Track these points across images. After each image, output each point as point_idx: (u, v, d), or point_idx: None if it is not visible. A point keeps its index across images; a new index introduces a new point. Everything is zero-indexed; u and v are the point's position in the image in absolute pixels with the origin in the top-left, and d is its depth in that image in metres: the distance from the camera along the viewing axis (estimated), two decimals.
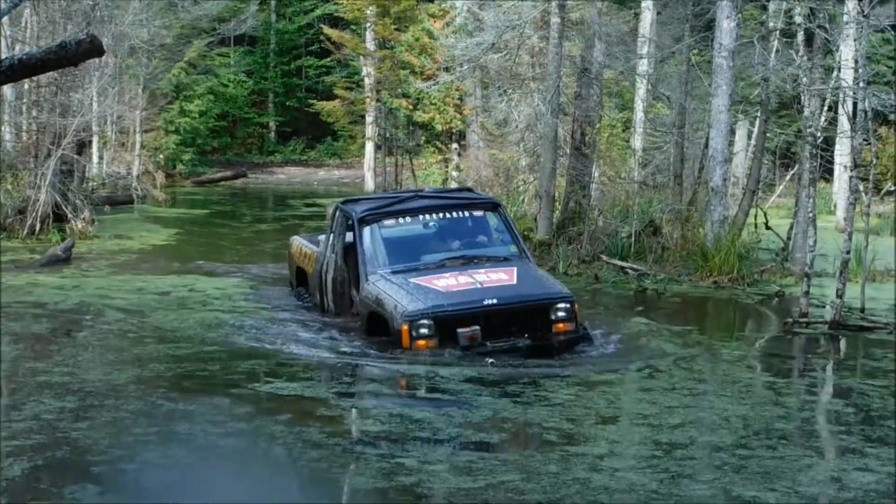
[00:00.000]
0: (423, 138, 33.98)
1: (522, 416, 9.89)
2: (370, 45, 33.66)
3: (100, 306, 15.05)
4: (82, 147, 25.17)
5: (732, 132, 24.73)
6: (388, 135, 33.98)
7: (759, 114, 22.50)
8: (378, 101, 33.12)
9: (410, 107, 31.63)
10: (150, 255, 21.09)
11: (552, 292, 12.35)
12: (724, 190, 19.43)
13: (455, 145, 32.33)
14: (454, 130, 31.80)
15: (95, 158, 31.00)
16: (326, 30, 37.36)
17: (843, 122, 22.86)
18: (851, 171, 15.71)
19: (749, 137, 28.24)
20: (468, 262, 12.86)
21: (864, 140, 16.26)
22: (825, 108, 23.30)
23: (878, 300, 16.15)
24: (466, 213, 13.63)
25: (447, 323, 11.72)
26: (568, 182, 22.01)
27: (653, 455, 8.73)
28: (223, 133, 45.59)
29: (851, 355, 13.30)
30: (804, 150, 18.87)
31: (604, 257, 19.25)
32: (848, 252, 14.76)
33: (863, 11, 15.29)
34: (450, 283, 12.22)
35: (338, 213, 13.88)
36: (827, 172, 28.98)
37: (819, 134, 18.35)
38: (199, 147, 41.06)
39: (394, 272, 12.59)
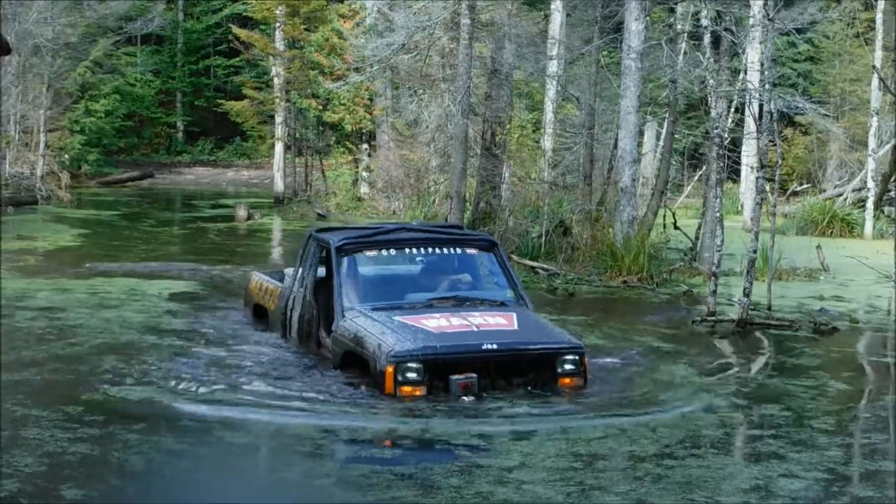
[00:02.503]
0: (334, 139, 33.87)
1: (423, 427, 9.33)
2: (279, 44, 33.42)
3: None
4: None
5: (641, 133, 25.04)
6: (297, 135, 33.80)
7: (667, 115, 22.78)
8: (287, 101, 32.92)
9: (320, 107, 31.52)
10: (56, 257, 20.74)
11: (559, 341, 10.63)
12: (633, 190, 19.63)
13: (365, 146, 32.26)
14: (364, 131, 31.74)
15: None
16: (235, 29, 37.03)
17: (750, 124, 23.17)
18: (758, 171, 15.95)
19: (657, 138, 28.59)
20: (460, 304, 11.14)
21: (770, 141, 16.51)
22: (732, 109, 23.70)
23: (786, 298, 16.43)
24: (458, 251, 11.96)
25: (440, 368, 9.96)
26: (478, 182, 22.08)
27: (570, 467, 8.28)
28: (130, 133, 45.08)
29: (760, 353, 13.43)
30: (711, 151, 19.14)
31: (514, 257, 19.32)
32: (755, 251, 14.98)
33: (768, 15, 15.53)
34: (441, 323, 10.49)
35: (311, 242, 12.13)
36: (734, 173, 29.44)
37: (726, 135, 18.65)
38: (105, 147, 40.54)
39: (374, 309, 10.89)
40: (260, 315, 13.51)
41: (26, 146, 32.79)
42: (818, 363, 12.66)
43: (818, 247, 20.20)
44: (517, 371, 10.29)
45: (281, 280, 13.20)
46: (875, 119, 27.71)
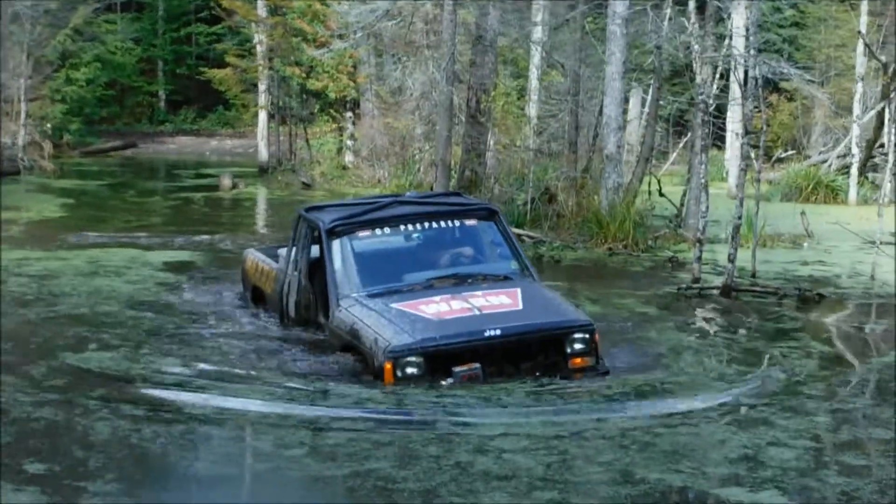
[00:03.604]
0: (317, 107, 33.76)
1: (401, 394, 9.27)
2: (262, 11, 33.26)
3: None
4: None
5: (626, 100, 25.03)
6: (281, 103, 33.74)
7: (652, 81, 22.83)
8: (270, 68, 32.84)
9: (303, 75, 31.42)
10: (42, 226, 20.81)
11: (567, 320, 10.06)
12: (619, 157, 19.71)
13: (349, 114, 32.21)
14: (348, 99, 31.67)
15: None
16: None
17: (735, 90, 23.33)
18: (742, 137, 16.04)
19: (643, 105, 28.62)
20: (461, 283, 10.56)
21: (755, 107, 16.59)
22: (717, 75, 23.72)
23: (771, 264, 16.57)
24: (457, 223, 11.27)
25: (440, 359, 9.49)
26: (463, 150, 22.11)
27: (554, 435, 8.20)
28: (112, 102, 44.87)
29: (744, 319, 13.55)
30: (696, 118, 19.24)
31: None
32: (739, 218, 15.07)
33: None
34: (441, 308, 9.96)
35: (301, 222, 11.53)
36: (719, 140, 29.51)
37: (711, 101, 18.71)
38: (87, 117, 40.35)
39: (370, 295, 10.35)
40: (259, 298, 12.90)
41: (7, 116, 32.62)
42: (803, 328, 12.84)
43: (802, 213, 20.33)
44: (524, 356, 9.76)
45: (274, 258, 12.64)
46: (860, 85, 27.82)
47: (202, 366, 10.40)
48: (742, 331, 13.02)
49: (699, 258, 15.11)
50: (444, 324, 9.72)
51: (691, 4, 19.53)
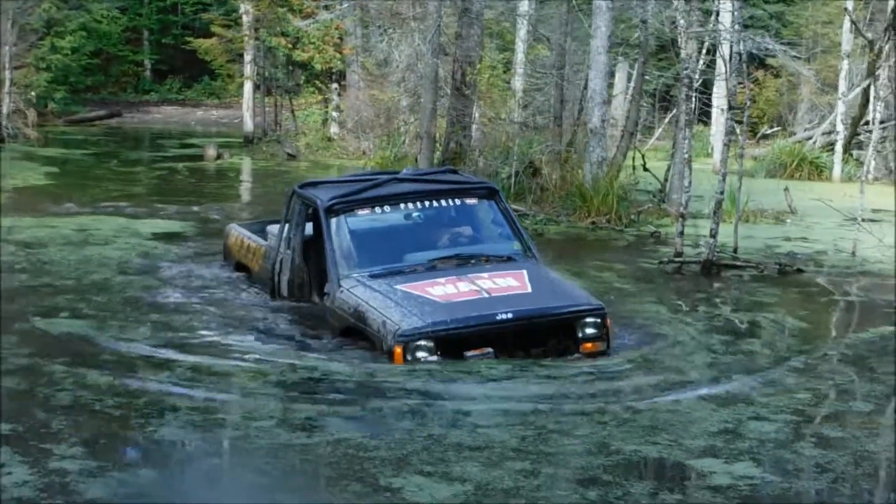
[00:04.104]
0: (303, 78, 33.79)
1: (378, 366, 9.26)
2: None
3: None
4: None
5: (612, 74, 25.11)
6: (266, 74, 33.67)
7: (638, 56, 22.90)
8: (256, 39, 32.76)
9: (289, 46, 31.37)
10: (27, 194, 20.90)
11: (579, 304, 9.90)
12: (603, 131, 19.80)
13: (335, 85, 32.20)
14: (334, 70, 31.67)
15: None
16: None
17: (721, 66, 23.39)
18: (727, 113, 16.16)
19: (628, 80, 28.69)
20: (464, 263, 10.37)
21: (739, 83, 16.70)
22: (703, 51, 23.79)
23: (753, 239, 16.71)
24: (457, 202, 11.05)
25: (452, 343, 9.27)
26: (448, 123, 22.16)
27: (532, 410, 8.20)
28: (97, 71, 44.66)
29: (725, 293, 13.72)
30: (681, 93, 19.33)
31: None
32: (721, 193, 15.20)
33: None
34: (448, 291, 9.74)
35: (294, 199, 11.22)
36: (705, 116, 29.61)
37: (696, 76, 18.78)
38: (72, 85, 40.17)
39: (372, 276, 10.10)
40: (241, 272, 12.85)
41: None
42: (783, 303, 12.99)
43: (786, 189, 20.47)
44: (535, 340, 9.59)
45: (261, 234, 12.45)
46: (846, 62, 27.88)
47: (171, 334, 10.56)
48: (720, 304, 13.18)
49: (681, 233, 15.24)
50: (453, 307, 9.52)
51: None
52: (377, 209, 10.83)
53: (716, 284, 14.10)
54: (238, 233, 13.08)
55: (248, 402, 8.41)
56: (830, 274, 14.93)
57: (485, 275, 10.05)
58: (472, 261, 10.46)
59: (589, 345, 9.65)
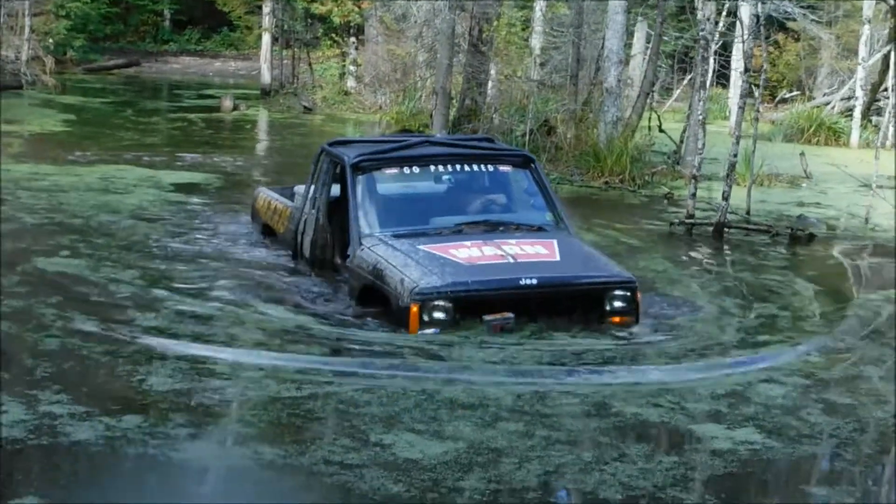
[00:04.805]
0: (321, 31, 33.61)
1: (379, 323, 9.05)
2: None
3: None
4: None
5: (630, 34, 24.93)
6: (285, 26, 33.54)
7: (655, 16, 22.70)
8: None
9: None
10: (43, 141, 20.94)
11: (609, 275, 9.37)
12: (619, 91, 19.66)
13: (353, 39, 32.06)
14: (352, 24, 31.51)
15: None
16: None
17: (740, 28, 23.19)
18: (744, 76, 16.00)
19: (647, 40, 28.45)
20: (493, 230, 9.84)
21: (758, 45, 16.54)
22: (723, 13, 23.58)
23: (766, 203, 16.60)
24: (490, 168, 10.52)
25: (471, 306, 8.76)
26: (464, 79, 22.05)
27: (533, 370, 8.01)
28: (116, 20, 44.57)
29: (734, 255, 13.59)
30: (698, 55, 19.17)
31: None
32: (735, 156, 15.04)
33: None
34: (472, 253, 9.23)
35: (323, 157, 10.75)
36: (724, 78, 29.40)
37: (713, 38, 18.63)
38: (91, 34, 40.09)
39: (396, 236, 9.63)
40: (268, 234, 12.45)
41: (11, 30, 32.43)
42: (793, 266, 12.90)
43: (802, 154, 20.32)
44: (560, 309, 9.03)
45: (290, 197, 11.99)
46: (867, 27, 27.57)
47: (165, 280, 10.54)
48: (729, 266, 13.09)
49: (693, 194, 15.13)
50: (475, 269, 9.03)
51: None
52: (405, 169, 10.35)
53: (726, 247, 13.99)
54: (266, 195, 12.68)
55: (236, 353, 8.29)
56: (842, 239, 14.83)
57: (512, 241, 9.55)
58: (501, 228, 9.94)
59: (617, 318, 9.15)
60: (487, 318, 8.69)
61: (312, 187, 10.77)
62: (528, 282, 8.90)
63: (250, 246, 12.35)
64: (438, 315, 8.70)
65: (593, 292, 9.17)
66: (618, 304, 9.13)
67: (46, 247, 11.73)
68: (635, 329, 9.21)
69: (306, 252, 10.73)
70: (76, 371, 7.79)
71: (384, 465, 6.22)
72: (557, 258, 9.40)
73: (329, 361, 8.13)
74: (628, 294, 9.17)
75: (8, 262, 10.80)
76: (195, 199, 15.39)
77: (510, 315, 8.73)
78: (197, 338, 8.64)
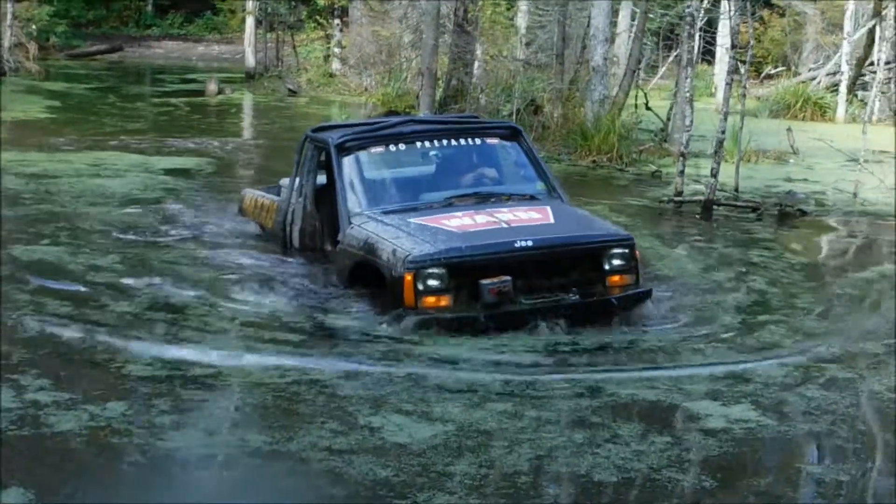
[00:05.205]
0: (305, 13, 33.42)
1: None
2: None
3: None
4: None
5: (616, 12, 24.77)
6: (268, 9, 33.31)
7: None
8: None
9: None
10: (30, 127, 20.78)
11: (605, 234, 9.20)
12: (605, 69, 19.54)
13: (337, 21, 31.84)
14: (336, 6, 31.30)
15: None
16: None
17: (725, 4, 23.07)
18: (730, 52, 15.90)
19: (632, 18, 28.31)
20: (484, 201, 9.58)
21: (744, 22, 16.43)
22: None
23: (754, 179, 16.52)
24: (478, 142, 10.22)
25: (466, 272, 8.47)
26: (450, 60, 21.95)
27: (530, 347, 7.98)
28: (98, 5, 44.33)
29: (723, 231, 13.51)
30: (684, 32, 19.04)
31: None
32: (723, 132, 14.95)
33: None
34: (465, 222, 8.99)
35: (307, 144, 10.46)
36: (710, 55, 29.25)
37: (699, 15, 18.49)
38: (74, 19, 39.92)
39: (385, 212, 9.37)
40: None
41: None
42: (782, 241, 12.83)
43: (789, 130, 20.21)
44: (558, 271, 8.75)
45: (277, 194, 11.56)
46: (852, 2, 27.50)
47: (141, 267, 10.43)
48: (718, 242, 13.01)
49: (682, 171, 15.04)
50: (469, 235, 8.78)
51: None
52: (392, 147, 10.06)
53: (715, 223, 13.90)
54: (252, 195, 12.29)
55: (214, 339, 8.17)
56: (831, 214, 14.75)
57: (505, 209, 9.32)
58: (493, 199, 9.67)
59: (616, 277, 8.88)
60: (484, 282, 8.40)
61: (298, 177, 10.51)
62: (524, 244, 8.63)
63: (234, 235, 12.12)
64: (433, 283, 8.43)
65: (591, 252, 8.93)
66: (616, 262, 8.88)
67: (29, 235, 11.60)
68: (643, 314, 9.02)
69: (296, 242, 10.48)
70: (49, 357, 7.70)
71: (373, 449, 6.12)
72: (552, 221, 9.18)
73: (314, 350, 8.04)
74: (626, 251, 8.93)
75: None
76: (182, 183, 15.27)
77: (507, 278, 8.42)
78: (171, 324, 8.56)
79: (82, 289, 9.59)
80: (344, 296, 9.27)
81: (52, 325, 8.41)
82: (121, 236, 11.75)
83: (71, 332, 8.24)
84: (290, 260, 10.51)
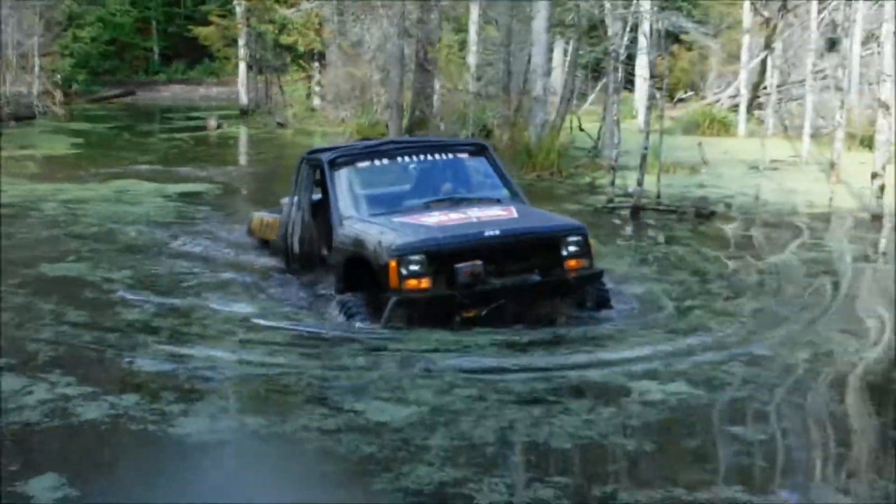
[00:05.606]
0: (289, 58, 33.15)
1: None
2: None
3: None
4: None
5: (551, 50, 24.66)
6: (258, 56, 33.05)
7: (572, 34, 22.51)
8: (248, 26, 32.15)
9: (277, 31, 30.81)
10: (58, 162, 20.42)
11: (561, 224, 9.21)
12: (545, 98, 19.46)
13: (317, 64, 31.60)
14: (315, 51, 31.06)
15: None
16: None
17: (643, 41, 23.04)
18: (648, 81, 15.83)
19: (565, 54, 28.24)
20: (457, 204, 9.45)
21: (658, 55, 16.36)
22: (627, 29, 23.40)
23: (672, 187, 16.42)
24: (450, 156, 10.14)
25: (443, 258, 8.38)
26: (414, 94, 21.82)
27: (493, 340, 7.75)
28: (113, 56, 43.87)
29: (652, 231, 13.45)
30: (609, 65, 18.97)
31: None
32: (646, 149, 14.93)
33: None
34: (441, 219, 8.94)
35: (303, 165, 10.33)
36: (630, 84, 29.20)
37: (622, 51, 18.43)
38: (92, 69, 39.45)
39: (372, 215, 9.28)
40: (264, 247, 11.78)
41: (23, 69, 31.73)
42: (698, 238, 12.72)
43: (699, 144, 20.15)
44: (522, 256, 8.68)
45: (279, 214, 11.28)
46: (747, 37, 27.59)
47: (154, 278, 10.20)
48: (647, 240, 12.93)
49: (613, 182, 14.98)
50: (444, 228, 8.70)
51: None
52: (376, 161, 9.89)
53: (642, 225, 13.82)
54: (259, 216, 12.09)
55: (213, 339, 7.95)
56: (738, 214, 14.68)
57: (475, 209, 9.21)
58: (465, 202, 9.50)
59: (572, 261, 8.72)
60: (458, 266, 8.25)
61: (296, 195, 10.25)
62: (492, 233, 8.53)
63: (238, 248, 11.85)
64: (414, 268, 8.26)
65: (550, 239, 8.80)
66: (572, 248, 8.74)
67: (68, 250, 11.40)
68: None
69: (296, 249, 10.21)
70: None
71: (358, 429, 5.94)
72: (516, 216, 9.07)
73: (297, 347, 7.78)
74: (580, 239, 8.79)
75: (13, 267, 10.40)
76: (193, 207, 14.93)
77: (479, 262, 8.27)
78: (177, 328, 8.31)
79: (100, 298, 9.35)
80: (327, 299, 9.05)
81: (72, 329, 8.18)
82: (134, 253, 11.46)
83: (89, 335, 8.00)
84: (284, 273, 10.30)
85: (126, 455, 5.78)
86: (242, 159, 23.67)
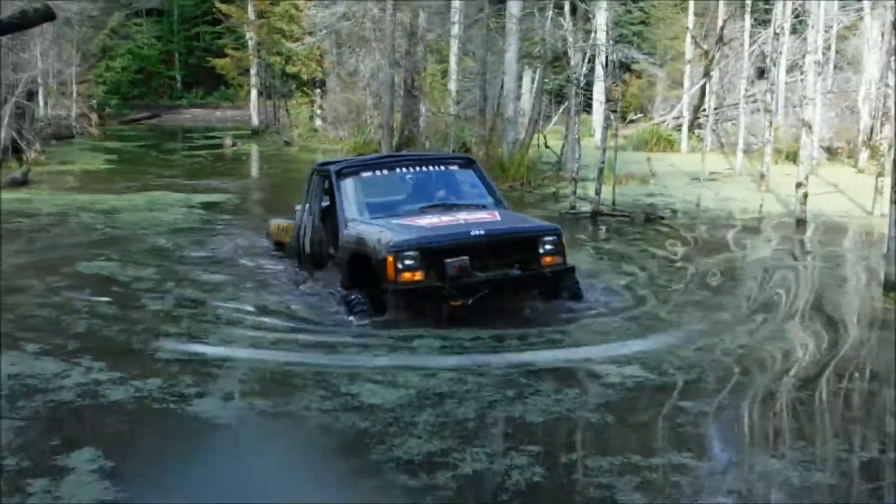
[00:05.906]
0: (294, 85, 33.00)
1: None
2: (251, 15, 32.38)
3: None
4: (31, 95, 23.92)
5: (521, 78, 24.63)
6: (267, 83, 32.93)
7: (539, 64, 22.47)
8: (259, 58, 32.03)
9: (283, 62, 30.67)
10: (94, 176, 20.21)
11: (539, 226, 9.19)
12: (516, 119, 19.43)
13: (318, 90, 31.49)
14: (317, 79, 30.95)
15: (42, 104, 29.37)
16: (218, 3, 35.71)
17: (599, 70, 23.02)
18: (604, 104, 15.79)
19: (532, 82, 28.20)
20: (448, 209, 9.44)
21: (613, 83, 16.30)
22: (586, 60, 23.36)
23: (625, 196, 16.38)
24: (442, 168, 10.12)
25: (434, 254, 8.34)
26: (402, 116, 21.69)
27: (474, 336, 7.61)
28: (141, 84, 43.63)
29: (609, 233, 13.37)
30: (571, 91, 18.92)
31: None
32: (602, 163, 14.89)
33: None
34: (433, 221, 8.94)
35: (314, 176, 10.28)
36: (588, 107, 29.14)
37: (582, 79, 18.37)
38: (123, 95, 39.25)
39: (373, 218, 9.25)
40: (280, 250, 11.57)
41: (63, 95, 31.52)
42: (649, 239, 12.68)
43: (648, 159, 20.13)
44: (504, 253, 8.63)
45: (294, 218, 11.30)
46: (688, 66, 27.66)
47: (174, 275, 10.06)
48: (605, 240, 12.88)
49: (574, 192, 14.92)
50: (436, 228, 8.67)
51: (567, 7, 19.15)
52: (378, 172, 9.85)
53: (601, 228, 13.78)
54: (276, 222, 11.95)
55: (225, 330, 7.80)
56: (682, 219, 14.65)
57: (463, 213, 9.16)
58: (455, 207, 9.45)
59: (548, 258, 8.68)
60: (448, 260, 8.17)
61: (308, 201, 10.17)
62: (477, 233, 8.49)
63: (255, 255, 11.54)
64: (409, 262, 8.19)
65: (529, 239, 8.74)
66: (548, 246, 8.69)
67: (101, 252, 11.21)
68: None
69: (307, 249, 10.12)
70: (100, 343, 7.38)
71: (354, 408, 5.86)
72: (499, 219, 9.04)
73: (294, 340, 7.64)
74: (556, 238, 8.74)
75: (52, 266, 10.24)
76: (214, 215, 14.73)
77: (465, 258, 8.22)
78: (194, 321, 8.15)
79: (126, 293, 9.21)
80: (328, 298, 8.92)
81: (101, 320, 8.07)
82: (161, 254, 11.32)
83: (118, 326, 7.89)
84: (294, 273, 10.13)
85: (151, 432, 5.69)
86: (255, 172, 23.52)
